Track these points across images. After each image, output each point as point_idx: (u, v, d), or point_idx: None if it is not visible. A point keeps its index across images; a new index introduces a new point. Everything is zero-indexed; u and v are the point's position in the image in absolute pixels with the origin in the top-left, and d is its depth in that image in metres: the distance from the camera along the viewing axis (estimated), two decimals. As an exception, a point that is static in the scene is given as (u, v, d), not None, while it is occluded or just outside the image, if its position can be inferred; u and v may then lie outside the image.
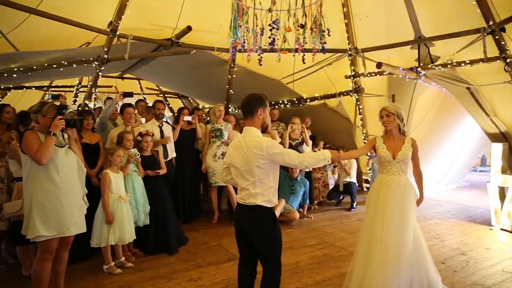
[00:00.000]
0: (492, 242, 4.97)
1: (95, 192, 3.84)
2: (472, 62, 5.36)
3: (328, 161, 2.77)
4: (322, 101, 7.78)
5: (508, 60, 4.96)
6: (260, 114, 2.68)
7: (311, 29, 3.83)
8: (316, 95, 7.70)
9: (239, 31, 3.75)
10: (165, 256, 4.32)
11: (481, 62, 5.23)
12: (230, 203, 5.79)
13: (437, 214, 6.49)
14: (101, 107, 8.56)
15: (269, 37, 3.79)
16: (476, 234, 5.30)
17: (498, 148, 5.71)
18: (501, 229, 5.48)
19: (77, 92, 9.96)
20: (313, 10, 3.84)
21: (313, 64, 6.85)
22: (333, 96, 7.55)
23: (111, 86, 10.38)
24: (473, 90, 5.82)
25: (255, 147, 2.55)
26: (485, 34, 5.05)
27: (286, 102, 8.10)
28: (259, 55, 3.95)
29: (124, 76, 9.43)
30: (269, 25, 3.77)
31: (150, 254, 4.35)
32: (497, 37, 4.97)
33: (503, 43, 4.96)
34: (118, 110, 5.54)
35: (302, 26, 3.81)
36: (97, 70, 6.01)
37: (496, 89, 5.61)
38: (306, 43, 3.88)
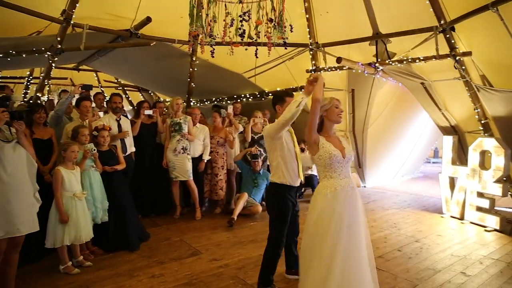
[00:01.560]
0: (443, 229, 5.29)
1: (49, 190, 3.65)
2: (426, 58, 5.62)
3: (304, 100, 2.90)
4: (284, 95, 7.84)
5: (457, 58, 5.25)
6: (279, 109, 3.32)
7: (278, 23, 3.83)
8: (278, 89, 7.74)
9: (202, 21, 3.69)
10: (125, 253, 4.20)
11: (433, 59, 5.50)
12: (193, 199, 5.73)
13: (394, 204, 6.79)
14: (52, 100, 8.14)
15: (239, 29, 3.76)
16: (429, 222, 5.61)
17: (448, 141, 6.05)
18: (451, 217, 5.83)
19: (28, 84, 9.38)
20: (276, 4, 3.84)
21: (275, 58, 6.89)
22: (294, 90, 7.63)
23: (66, 78, 9.90)
24: (427, 85, 6.12)
25: (265, 131, 3.31)
26: (437, 33, 5.32)
27: (248, 96, 8.10)
28: (211, 46, 3.91)
29: (80, 67, 8.98)
30: (240, 15, 3.74)
31: (110, 252, 4.21)
32: (447, 35, 5.23)
33: (453, 41, 5.23)
34: (73, 103, 5.30)
35: (271, 20, 3.81)
36: (50, 61, 5.68)
37: (447, 85, 5.93)
38: (257, 37, 3.89)
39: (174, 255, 4.20)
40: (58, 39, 5.33)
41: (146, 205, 5.60)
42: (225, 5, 3.80)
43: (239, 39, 3.85)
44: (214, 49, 3.98)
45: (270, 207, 3.33)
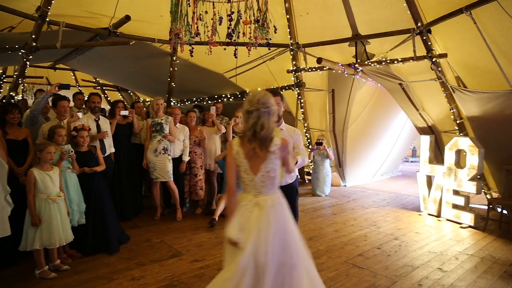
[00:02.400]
0: (421, 226, 5.41)
1: (25, 192, 3.52)
2: (404, 60, 5.76)
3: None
4: (265, 95, 7.87)
5: (433, 59, 5.39)
6: None
7: (263, 24, 3.83)
8: (259, 89, 7.77)
9: (184, 18, 3.65)
10: (105, 256, 4.12)
11: (411, 60, 5.63)
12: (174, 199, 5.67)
13: (374, 202, 6.91)
14: (25, 99, 7.88)
15: (228, 28, 3.74)
16: (407, 220, 5.73)
17: (426, 140, 6.19)
18: (429, 214, 5.98)
19: (1, 82, 9.06)
20: (262, 5, 3.85)
21: (255, 58, 6.90)
22: (275, 89, 7.68)
23: (41, 77, 9.62)
24: (405, 86, 6.26)
25: None
26: (415, 35, 5.44)
27: (229, 96, 8.09)
28: (190, 45, 3.88)
29: (57, 66, 8.76)
30: (228, 15, 3.73)
31: (88, 255, 4.11)
32: (424, 37, 5.37)
33: (429, 43, 5.37)
34: (50, 103, 5.15)
35: (258, 21, 3.80)
36: (25, 59, 5.51)
37: (424, 86, 6.08)
38: (236, 37, 3.88)
39: (155, 256, 4.14)
40: (33, 36, 5.18)
41: (122, 207, 5.50)
42: (213, 4, 3.77)
43: (218, 38, 3.83)
44: (193, 48, 3.94)
45: None
